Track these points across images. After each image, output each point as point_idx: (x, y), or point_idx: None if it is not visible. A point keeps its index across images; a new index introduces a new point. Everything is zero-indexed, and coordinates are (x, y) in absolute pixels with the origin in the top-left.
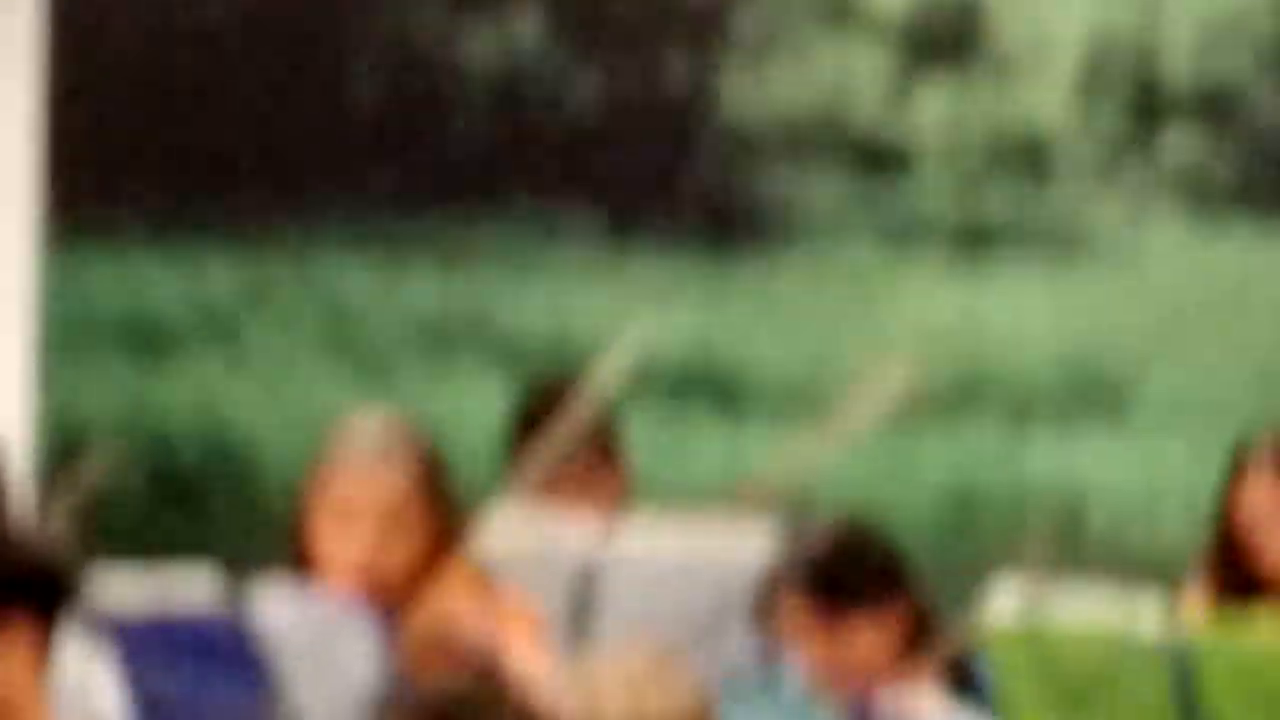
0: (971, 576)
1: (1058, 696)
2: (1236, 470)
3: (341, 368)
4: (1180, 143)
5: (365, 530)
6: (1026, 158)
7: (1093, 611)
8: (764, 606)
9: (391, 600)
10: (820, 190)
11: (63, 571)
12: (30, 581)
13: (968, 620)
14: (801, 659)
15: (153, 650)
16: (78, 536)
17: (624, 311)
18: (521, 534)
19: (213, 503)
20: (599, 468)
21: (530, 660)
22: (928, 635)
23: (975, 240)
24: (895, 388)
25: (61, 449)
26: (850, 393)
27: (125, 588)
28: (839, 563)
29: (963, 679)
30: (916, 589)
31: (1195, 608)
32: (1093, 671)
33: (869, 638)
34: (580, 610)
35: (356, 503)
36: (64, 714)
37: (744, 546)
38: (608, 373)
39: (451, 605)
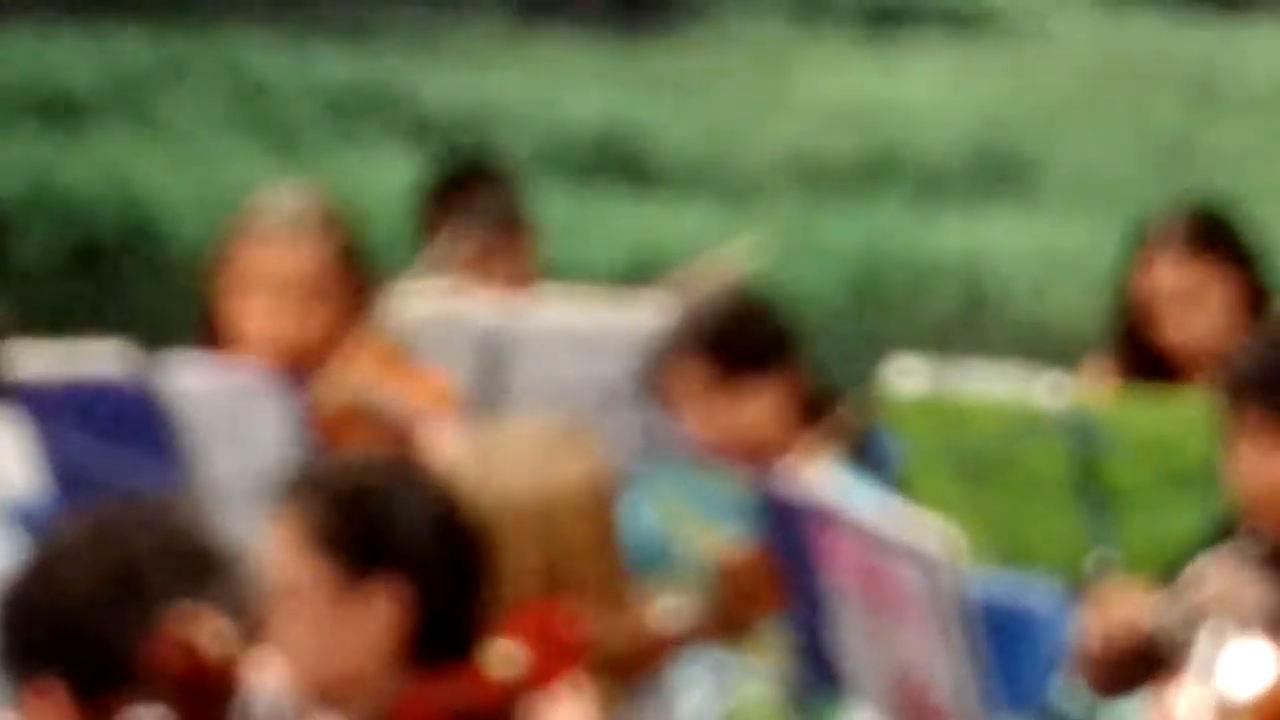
0: (876, 350)
1: (959, 467)
2: (1139, 247)
3: (253, 141)
4: None
5: (277, 302)
6: None
7: (995, 385)
8: (660, 372)
9: (304, 371)
10: None
11: None
12: None
13: (870, 393)
14: (695, 425)
15: (65, 416)
16: None
17: (533, 88)
18: (434, 305)
19: (124, 273)
20: (509, 244)
21: (439, 429)
22: (825, 408)
23: (884, 18)
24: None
25: None
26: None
27: (38, 358)
28: (730, 327)
29: (863, 453)
30: (812, 361)
31: (1096, 382)
32: (994, 443)
33: (760, 403)
34: (490, 380)
35: (269, 275)
36: None
37: (646, 316)
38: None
39: (363, 376)
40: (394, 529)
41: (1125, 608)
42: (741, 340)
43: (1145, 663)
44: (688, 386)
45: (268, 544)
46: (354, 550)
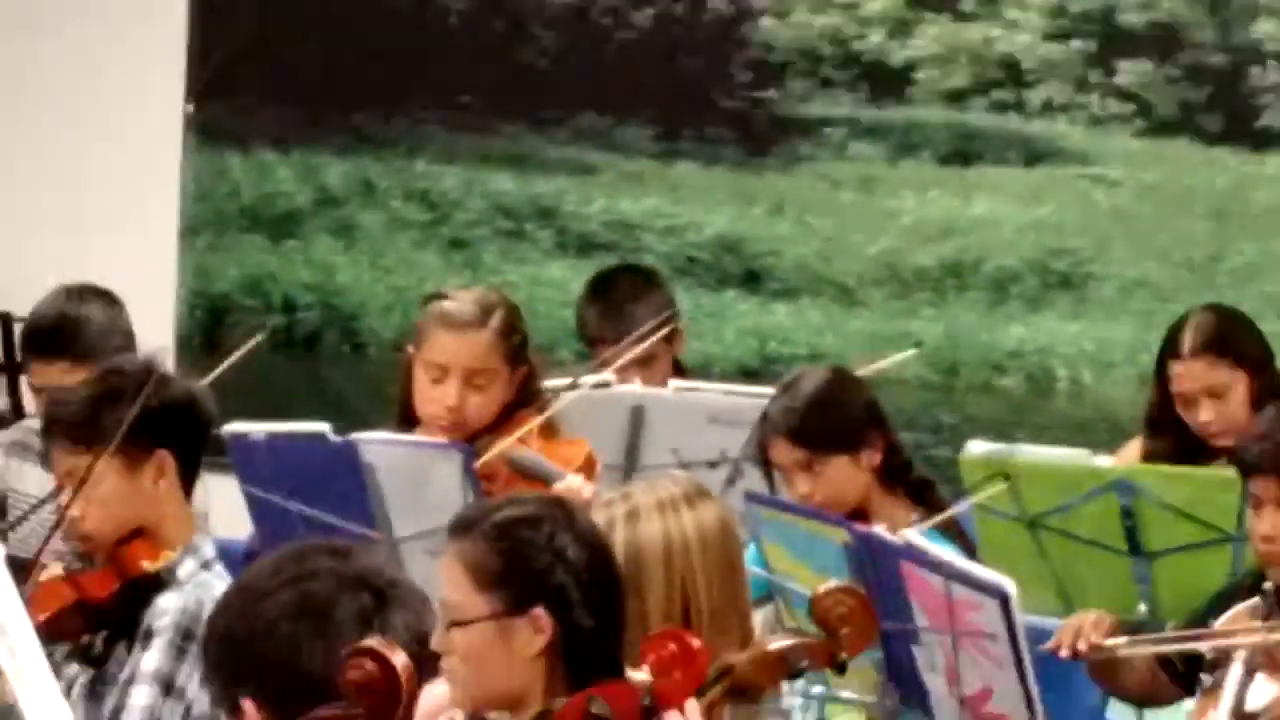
0: (957, 431)
1: (1024, 524)
2: (1169, 347)
3: (436, 249)
4: (1133, 72)
5: (456, 383)
6: (1007, 82)
7: (1054, 454)
8: (761, 449)
9: (474, 438)
10: (834, 108)
11: (205, 414)
12: (176, 420)
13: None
14: (790, 490)
15: (275, 475)
16: (219, 389)
17: (668, 207)
18: (589, 389)
19: (323, 358)
20: (669, 346)
21: (581, 485)
22: (905, 474)
23: (963, 149)
24: None
25: (205, 319)
26: None
27: (254, 428)
28: (811, 414)
29: (952, 529)
30: (899, 440)
31: (1136, 455)
32: (1055, 499)
33: (843, 476)
34: (631, 445)
35: (450, 361)
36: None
37: (761, 400)
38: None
39: (521, 442)
40: (548, 567)
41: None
42: (819, 425)
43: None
44: (782, 461)
45: (441, 581)
46: (510, 586)
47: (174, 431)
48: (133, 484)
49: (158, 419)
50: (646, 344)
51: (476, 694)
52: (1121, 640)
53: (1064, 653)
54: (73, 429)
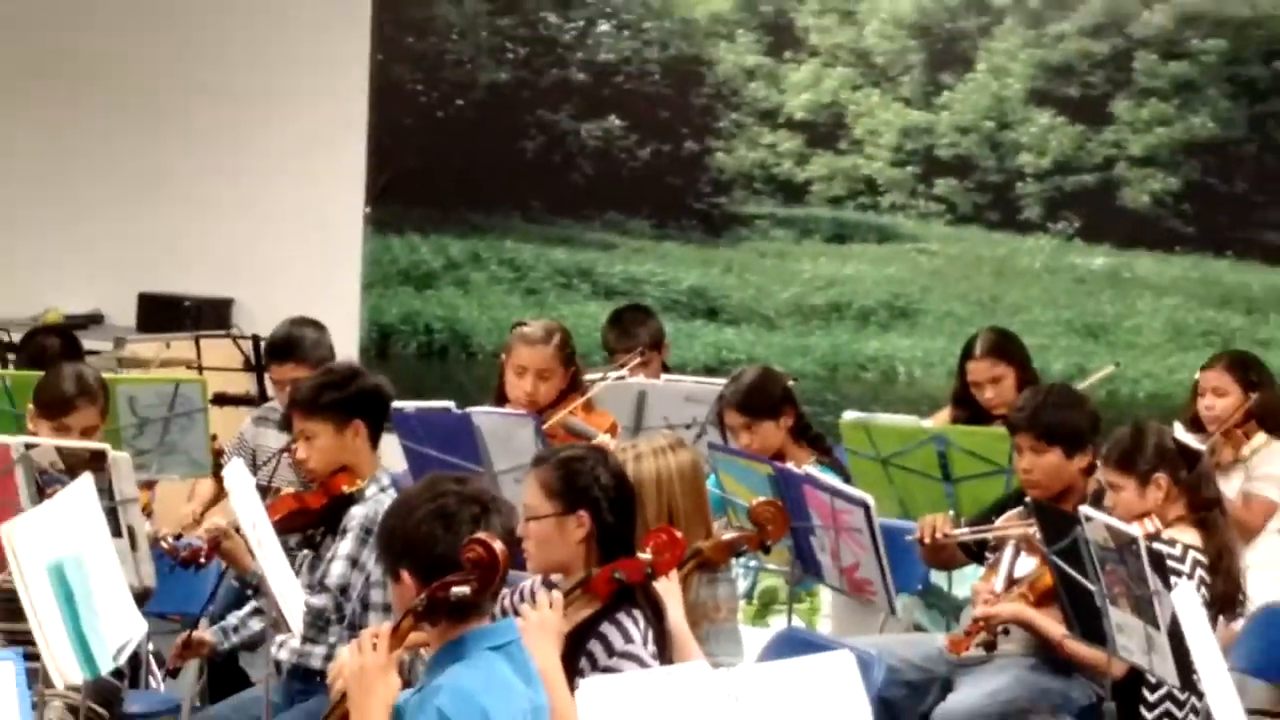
0: (837, 406)
1: (877, 463)
2: (967, 353)
3: (518, 296)
4: (944, 185)
5: (530, 378)
6: (867, 192)
7: (896, 419)
8: (719, 418)
9: (543, 413)
10: (761, 208)
11: (386, 395)
12: (367, 399)
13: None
14: (738, 443)
15: (420, 434)
16: (390, 380)
17: (661, 274)
18: (612, 382)
19: (452, 364)
20: (658, 354)
21: (609, 440)
22: (807, 432)
23: (841, 234)
24: None
25: (378, 339)
26: None
27: (407, 406)
28: (749, 393)
29: (835, 466)
30: (799, 407)
31: (947, 419)
32: (897, 446)
33: (771, 433)
34: (638, 417)
35: (527, 364)
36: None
37: (717, 386)
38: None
39: (571, 414)
40: (590, 490)
41: (942, 524)
42: (754, 402)
43: (962, 554)
44: (732, 425)
45: (524, 496)
46: (567, 497)
47: (366, 408)
48: (340, 440)
49: (356, 400)
50: (641, 351)
51: (544, 563)
52: (956, 531)
53: (926, 539)
54: (307, 404)
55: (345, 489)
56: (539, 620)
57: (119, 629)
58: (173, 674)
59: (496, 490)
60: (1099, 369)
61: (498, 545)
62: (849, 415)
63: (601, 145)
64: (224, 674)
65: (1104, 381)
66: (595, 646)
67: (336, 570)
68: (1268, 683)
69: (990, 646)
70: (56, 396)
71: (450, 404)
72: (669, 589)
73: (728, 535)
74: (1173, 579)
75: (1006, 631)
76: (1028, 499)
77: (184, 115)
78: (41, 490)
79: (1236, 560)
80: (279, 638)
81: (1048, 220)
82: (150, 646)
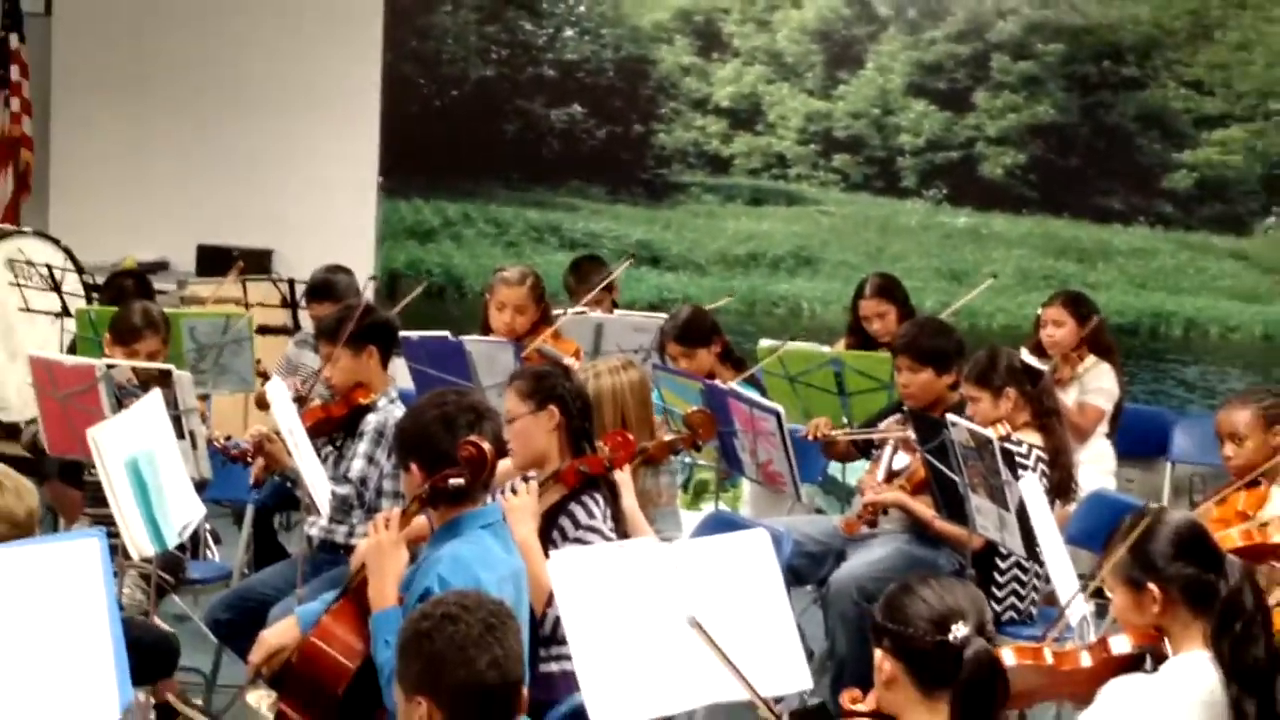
0: (754, 335)
1: (786, 382)
2: (858, 293)
3: (500, 248)
4: (840, 159)
5: (509, 313)
6: (777, 165)
7: (802, 346)
8: (660, 345)
9: (520, 340)
10: (694, 178)
11: (393, 326)
12: (378, 330)
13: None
14: (677, 365)
15: (423, 356)
16: (400, 315)
17: (612, 226)
18: (574, 315)
19: (448, 302)
20: (608, 295)
21: (574, 363)
22: (732, 356)
23: (760, 197)
24: None
25: (389, 282)
26: None
27: (411, 334)
28: (685, 326)
29: (751, 379)
30: (725, 337)
31: (843, 346)
32: (802, 367)
33: (703, 358)
34: (596, 344)
35: (506, 300)
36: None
37: (659, 319)
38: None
39: (543, 342)
40: (556, 389)
41: (824, 426)
42: (688, 333)
43: (854, 450)
44: (671, 351)
45: (506, 403)
46: (538, 397)
47: (378, 335)
48: (357, 362)
49: (369, 330)
50: (597, 291)
51: (525, 457)
52: (836, 431)
53: (810, 437)
54: (330, 334)
55: (362, 401)
56: (519, 503)
57: (183, 512)
58: (258, 485)
59: (486, 401)
60: (980, 283)
61: (487, 445)
62: (764, 342)
63: (567, 127)
64: (266, 547)
65: (984, 294)
66: (565, 522)
67: (356, 465)
68: (1092, 552)
69: (874, 525)
70: (126, 327)
71: (446, 333)
72: (623, 479)
73: (668, 437)
74: (1020, 472)
75: (887, 513)
76: (905, 408)
77: (234, 105)
78: (120, 402)
79: (1070, 457)
80: (310, 518)
81: (922, 188)
82: (207, 526)
